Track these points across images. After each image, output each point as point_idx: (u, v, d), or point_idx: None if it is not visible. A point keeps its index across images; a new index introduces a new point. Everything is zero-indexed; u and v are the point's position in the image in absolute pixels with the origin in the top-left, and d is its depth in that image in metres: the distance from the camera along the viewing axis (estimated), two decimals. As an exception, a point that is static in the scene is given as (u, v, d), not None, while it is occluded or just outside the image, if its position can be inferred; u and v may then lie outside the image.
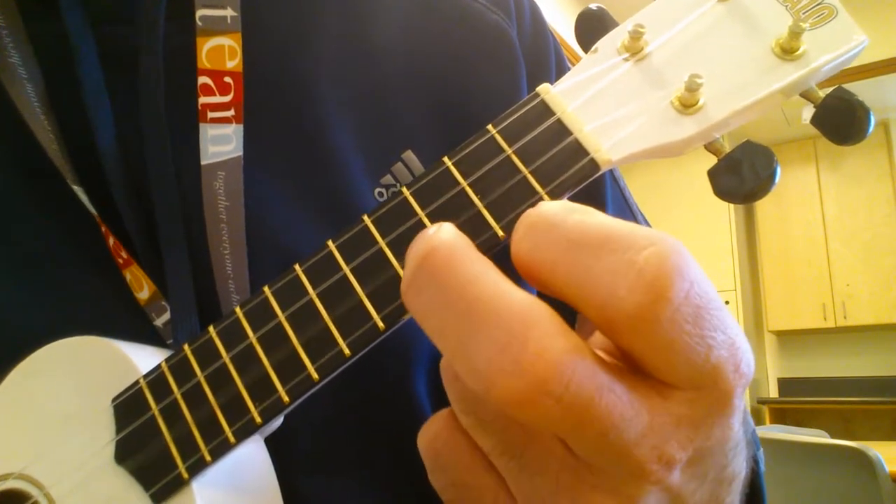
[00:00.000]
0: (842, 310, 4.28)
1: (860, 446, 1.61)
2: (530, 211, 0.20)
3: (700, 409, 0.20)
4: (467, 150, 0.26)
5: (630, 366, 0.20)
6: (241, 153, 0.36)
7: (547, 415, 0.18)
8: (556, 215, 0.20)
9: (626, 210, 0.48)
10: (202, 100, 0.37)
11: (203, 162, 0.36)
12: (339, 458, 0.37)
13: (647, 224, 0.49)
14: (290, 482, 0.31)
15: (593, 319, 0.19)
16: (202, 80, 0.37)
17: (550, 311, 0.19)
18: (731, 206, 4.27)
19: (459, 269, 0.19)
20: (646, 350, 0.19)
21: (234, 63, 0.37)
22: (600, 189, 0.46)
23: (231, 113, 0.37)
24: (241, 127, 0.37)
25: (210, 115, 0.36)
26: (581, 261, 0.19)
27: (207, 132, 0.36)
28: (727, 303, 4.15)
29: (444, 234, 0.20)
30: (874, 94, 3.83)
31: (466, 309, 0.19)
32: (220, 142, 0.36)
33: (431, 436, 0.24)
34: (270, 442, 0.32)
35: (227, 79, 0.37)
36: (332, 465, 0.37)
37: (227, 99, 0.37)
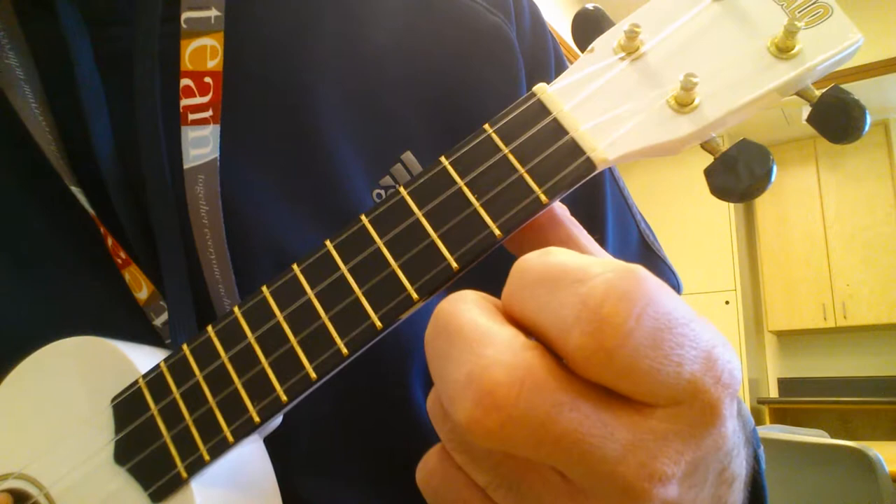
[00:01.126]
0: (842, 310, 4.28)
1: (860, 446, 1.61)
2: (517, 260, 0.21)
3: (685, 423, 0.20)
4: (464, 150, 0.26)
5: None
6: (217, 155, 0.36)
7: (501, 433, 0.18)
8: (527, 260, 0.21)
9: (625, 210, 0.48)
10: (184, 102, 0.36)
11: (185, 166, 0.36)
12: (337, 459, 0.37)
13: (647, 225, 0.49)
14: (288, 482, 0.31)
15: (558, 354, 0.19)
16: (184, 82, 0.36)
17: (517, 334, 0.19)
18: (731, 206, 4.27)
19: (450, 310, 0.21)
20: (608, 379, 0.19)
21: (214, 63, 0.37)
22: (600, 189, 0.46)
23: (209, 114, 0.36)
24: (217, 127, 0.36)
25: (190, 116, 0.36)
26: (539, 297, 0.20)
27: (188, 135, 0.36)
28: (727, 303, 4.18)
29: (457, 292, 0.22)
30: (874, 94, 3.83)
31: (445, 337, 0.20)
32: (200, 144, 0.36)
33: (427, 473, 0.24)
34: (269, 442, 0.32)
35: (207, 79, 0.37)
36: (330, 466, 0.37)
37: (205, 99, 0.36)
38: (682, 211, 4.28)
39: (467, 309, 0.20)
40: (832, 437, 1.93)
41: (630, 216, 0.48)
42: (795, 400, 4.17)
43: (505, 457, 0.21)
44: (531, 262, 0.21)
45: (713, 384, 0.20)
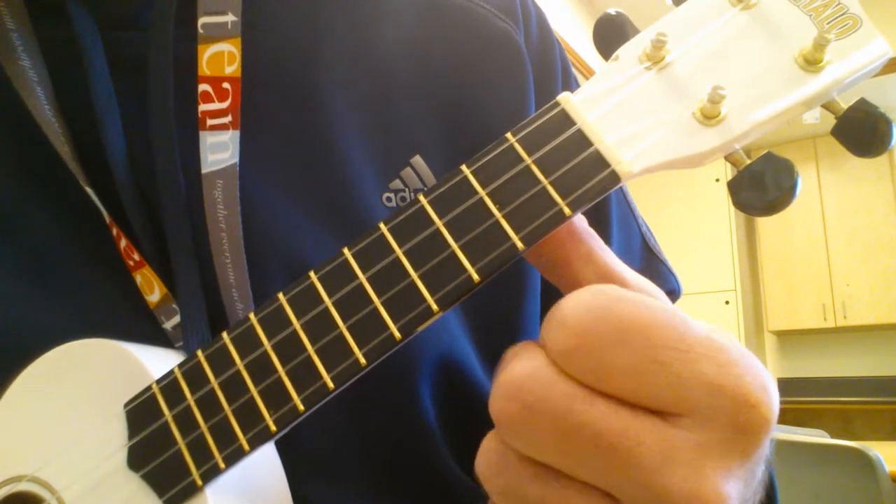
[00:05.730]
0: (842, 310, 4.28)
1: (860, 446, 1.61)
2: None
3: (721, 431, 0.20)
4: (486, 159, 0.25)
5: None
6: (236, 160, 0.36)
7: (523, 422, 0.21)
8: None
9: (628, 213, 0.48)
10: (202, 107, 0.36)
11: (203, 171, 0.36)
12: (342, 464, 0.37)
13: (647, 227, 0.49)
14: (294, 487, 0.31)
15: None
16: (202, 87, 0.36)
17: (537, 348, 0.22)
18: (731, 206, 4.26)
19: None
20: (598, 381, 0.21)
21: (232, 68, 0.37)
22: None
23: (228, 119, 0.36)
24: (237, 133, 0.36)
25: (209, 122, 0.36)
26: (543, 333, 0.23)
27: (207, 140, 0.36)
28: (727, 303, 4.18)
29: None
30: (874, 94, 3.80)
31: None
32: (218, 149, 0.36)
33: None
34: (276, 446, 0.32)
35: (226, 84, 0.37)
36: (335, 471, 0.37)
37: (224, 105, 0.36)
38: (682, 211, 4.28)
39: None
40: (832, 437, 1.93)
41: (633, 219, 0.48)
42: (795, 400, 4.17)
43: (559, 492, 0.21)
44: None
45: (736, 386, 0.21)
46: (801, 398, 4.18)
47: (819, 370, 4.44)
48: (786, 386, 4.42)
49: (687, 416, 0.20)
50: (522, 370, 0.21)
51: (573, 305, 0.21)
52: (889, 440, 3.46)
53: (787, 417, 4.08)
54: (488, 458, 0.23)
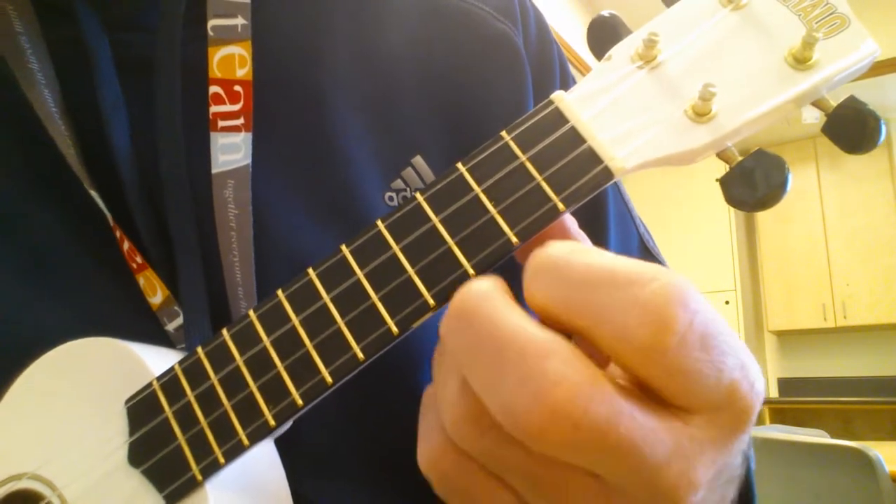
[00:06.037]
0: (842, 310, 4.28)
1: (860, 446, 1.61)
2: (538, 252, 0.22)
3: (720, 430, 0.21)
4: (481, 157, 0.26)
5: (648, 394, 0.21)
6: (249, 161, 0.36)
7: (569, 442, 0.19)
8: (562, 256, 0.21)
9: (625, 214, 0.48)
10: (213, 109, 0.37)
11: (213, 171, 0.36)
12: (342, 461, 0.37)
13: (645, 228, 0.49)
14: (293, 484, 0.31)
15: (607, 352, 0.20)
16: (213, 89, 0.37)
17: (569, 345, 0.20)
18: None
19: (487, 314, 0.21)
20: (660, 378, 0.20)
21: (243, 71, 0.37)
22: (602, 193, 0.46)
23: (241, 121, 0.37)
24: (249, 135, 0.37)
25: (220, 123, 0.37)
26: (591, 299, 0.20)
27: (218, 141, 0.36)
28: (727, 303, 4.18)
29: (477, 283, 0.22)
30: (874, 94, 3.83)
31: (492, 348, 0.20)
32: (230, 150, 0.36)
33: (432, 461, 0.24)
34: (276, 443, 0.32)
35: (237, 87, 0.37)
36: (334, 467, 0.37)
37: (236, 108, 0.37)
38: (682, 211, 4.29)
39: (505, 314, 0.21)
40: (832, 437, 1.93)
41: (630, 220, 0.48)
42: (795, 400, 4.18)
43: (542, 463, 0.21)
44: (566, 259, 0.21)
45: (749, 391, 0.21)
46: (801, 398, 4.18)
47: (819, 370, 4.44)
48: (786, 386, 4.42)
49: (699, 413, 0.21)
50: (572, 385, 0.19)
51: (666, 295, 0.19)
52: (889, 440, 3.47)
53: (787, 417, 4.08)
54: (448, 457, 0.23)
